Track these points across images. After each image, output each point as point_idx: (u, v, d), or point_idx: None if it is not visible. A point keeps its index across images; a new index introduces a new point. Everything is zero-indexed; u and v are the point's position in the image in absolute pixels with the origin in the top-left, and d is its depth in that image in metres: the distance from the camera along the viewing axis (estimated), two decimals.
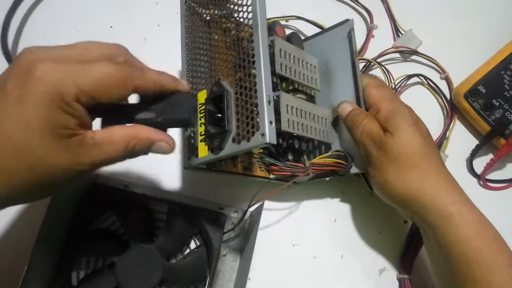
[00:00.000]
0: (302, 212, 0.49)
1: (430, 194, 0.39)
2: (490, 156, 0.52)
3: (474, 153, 0.52)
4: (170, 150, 0.34)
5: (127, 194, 0.45)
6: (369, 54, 0.53)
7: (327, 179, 0.45)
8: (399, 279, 0.47)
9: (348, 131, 0.43)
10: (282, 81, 0.44)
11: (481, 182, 0.51)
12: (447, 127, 0.52)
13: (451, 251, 0.38)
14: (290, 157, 0.44)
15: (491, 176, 0.52)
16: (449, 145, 0.52)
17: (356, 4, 0.56)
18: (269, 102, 0.33)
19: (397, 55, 0.55)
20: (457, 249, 0.37)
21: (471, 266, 0.37)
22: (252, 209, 0.47)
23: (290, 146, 0.44)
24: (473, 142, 0.52)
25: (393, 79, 0.52)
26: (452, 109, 0.53)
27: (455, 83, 0.54)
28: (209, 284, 0.43)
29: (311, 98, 0.46)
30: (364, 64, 0.52)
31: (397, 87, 0.52)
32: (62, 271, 0.42)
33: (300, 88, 0.45)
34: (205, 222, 0.44)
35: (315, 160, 0.42)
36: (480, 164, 0.52)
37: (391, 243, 0.49)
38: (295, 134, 0.41)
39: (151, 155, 0.34)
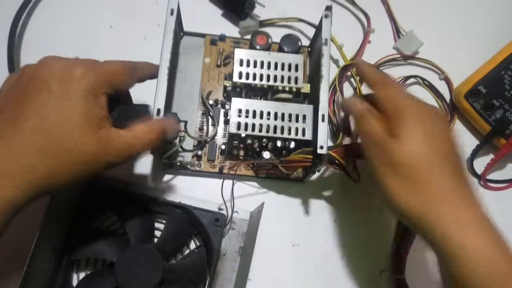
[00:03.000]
0: (302, 212, 0.49)
1: (435, 217, 0.33)
2: (491, 156, 0.52)
3: (475, 153, 0.51)
4: (177, 132, 0.42)
5: (127, 195, 0.44)
6: (369, 56, 0.52)
7: (316, 173, 0.46)
8: (396, 279, 0.47)
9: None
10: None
11: (481, 182, 0.51)
12: None
13: (459, 284, 0.32)
14: (267, 156, 0.45)
15: (492, 176, 0.52)
16: None
17: (355, 7, 0.55)
18: (157, 112, 0.39)
19: (396, 56, 0.54)
20: (466, 282, 0.32)
21: None
22: (252, 209, 0.47)
23: (262, 146, 0.46)
24: (474, 142, 0.52)
25: None
26: (453, 110, 0.53)
27: (456, 83, 0.54)
28: (209, 284, 0.43)
29: (299, 96, 0.47)
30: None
31: None
32: (62, 271, 0.42)
33: (280, 88, 0.47)
34: (205, 222, 0.44)
35: (290, 157, 0.43)
36: (480, 164, 0.52)
37: (391, 243, 0.49)
38: (243, 135, 0.44)
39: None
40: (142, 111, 0.40)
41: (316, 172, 0.45)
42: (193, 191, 0.48)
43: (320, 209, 0.50)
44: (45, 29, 0.53)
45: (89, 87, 0.33)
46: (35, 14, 0.54)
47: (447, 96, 0.54)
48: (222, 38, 0.52)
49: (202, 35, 0.52)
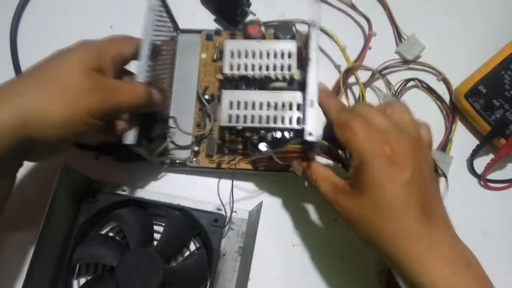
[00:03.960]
0: (302, 212, 0.49)
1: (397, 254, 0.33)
2: (491, 156, 0.51)
3: (475, 153, 0.51)
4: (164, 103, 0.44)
5: (125, 198, 0.45)
6: (371, 61, 0.51)
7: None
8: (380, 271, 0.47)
9: None
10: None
11: (481, 182, 0.51)
12: (450, 130, 0.52)
13: None
14: (263, 148, 0.44)
15: (492, 176, 0.52)
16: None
17: (356, 12, 0.54)
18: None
19: (396, 60, 0.54)
20: None
21: None
22: (250, 209, 0.47)
23: (260, 138, 0.44)
24: (474, 142, 0.52)
25: (393, 86, 0.52)
26: (454, 111, 0.53)
27: (456, 83, 0.53)
28: (210, 285, 0.43)
29: (293, 84, 0.45)
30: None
31: (397, 94, 0.52)
32: (62, 277, 0.42)
33: (274, 77, 0.45)
34: (204, 223, 0.44)
35: (284, 148, 0.42)
36: (480, 164, 0.51)
37: None
38: (240, 127, 0.43)
39: None
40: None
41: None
42: (191, 191, 0.48)
43: (320, 209, 0.50)
44: (45, 29, 0.53)
45: (88, 44, 0.38)
46: (35, 14, 0.54)
47: (446, 98, 0.54)
48: (218, 32, 0.52)
49: (198, 31, 0.52)
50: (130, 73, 0.43)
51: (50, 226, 0.39)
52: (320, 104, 0.40)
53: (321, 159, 0.43)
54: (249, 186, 0.50)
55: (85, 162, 0.48)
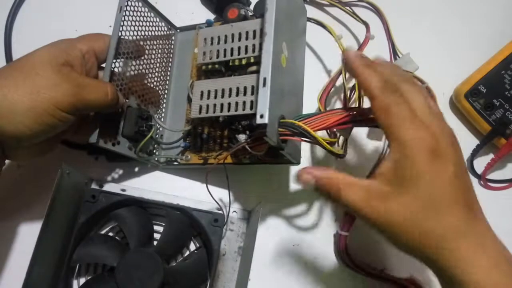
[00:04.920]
0: (302, 212, 0.49)
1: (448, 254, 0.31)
2: (491, 156, 0.51)
3: (475, 153, 0.51)
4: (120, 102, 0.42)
5: (125, 199, 0.45)
6: None
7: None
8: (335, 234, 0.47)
9: None
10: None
11: (481, 182, 0.51)
12: None
13: None
14: (242, 138, 0.40)
15: (492, 176, 0.52)
16: None
17: (355, 18, 0.53)
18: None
19: None
20: None
21: None
22: (251, 209, 0.47)
23: (245, 127, 0.41)
24: (474, 142, 0.52)
25: None
26: None
27: (456, 83, 0.54)
28: (210, 285, 0.43)
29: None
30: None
31: None
32: (62, 278, 0.42)
33: (245, 61, 0.42)
34: (204, 223, 0.44)
35: (255, 135, 0.39)
36: (480, 164, 0.51)
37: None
38: (221, 119, 0.42)
39: None
40: None
41: (283, 150, 0.37)
42: (191, 191, 0.48)
43: (320, 209, 0.50)
44: (46, 29, 0.53)
45: (60, 41, 0.39)
46: (35, 14, 0.54)
47: (446, 98, 0.54)
48: (210, 23, 0.49)
49: (193, 27, 0.52)
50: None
51: (50, 226, 0.39)
52: (357, 76, 0.34)
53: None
54: (249, 186, 0.50)
55: (85, 162, 0.48)
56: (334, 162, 0.51)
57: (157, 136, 0.47)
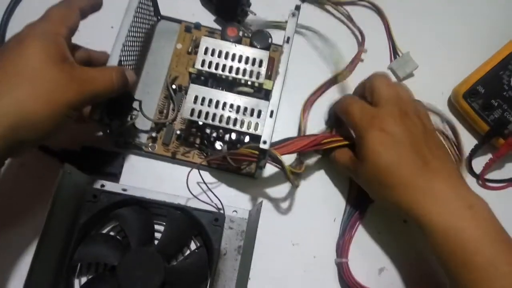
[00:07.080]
0: (302, 212, 0.50)
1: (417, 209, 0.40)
2: (489, 156, 0.52)
3: (473, 153, 0.52)
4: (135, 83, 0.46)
5: (126, 198, 0.45)
6: (363, 74, 0.49)
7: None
8: (337, 264, 0.47)
9: None
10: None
11: (480, 182, 0.52)
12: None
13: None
14: (219, 147, 0.47)
15: (490, 176, 0.52)
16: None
17: (353, 25, 0.54)
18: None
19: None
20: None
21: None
22: (251, 208, 0.48)
23: (218, 136, 0.47)
24: (472, 142, 0.52)
25: None
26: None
27: (455, 82, 0.54)
28: (211, 284, 0.43)
29: (261, 92, 0.47)
30: None
31: None
32: (63, 277, 0.42)
33: (242, 82, 0.46)
34: (204, 222, 0.44)
35: (239, 150, 0.43)
36: (479, 164, 0.52)
37: (390, 242, 0.49)
38: (200, 123, 0.45)
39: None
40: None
41: (262, 169, 0.46)
42: (192, 192, 0.48)
43: (320, 209, 0.50)
44: None
45: (38, 31, 0.37)
46: (35, 14, 0.54)
47: (445, 98, 0.54)
48: (197, 26, 0.53)
49: (179, 21, 0.53)
50: (79, 47, 0.43)
51: (51, 226, 0.39)
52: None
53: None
54: (249, 186, 0.50)
55: None
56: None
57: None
